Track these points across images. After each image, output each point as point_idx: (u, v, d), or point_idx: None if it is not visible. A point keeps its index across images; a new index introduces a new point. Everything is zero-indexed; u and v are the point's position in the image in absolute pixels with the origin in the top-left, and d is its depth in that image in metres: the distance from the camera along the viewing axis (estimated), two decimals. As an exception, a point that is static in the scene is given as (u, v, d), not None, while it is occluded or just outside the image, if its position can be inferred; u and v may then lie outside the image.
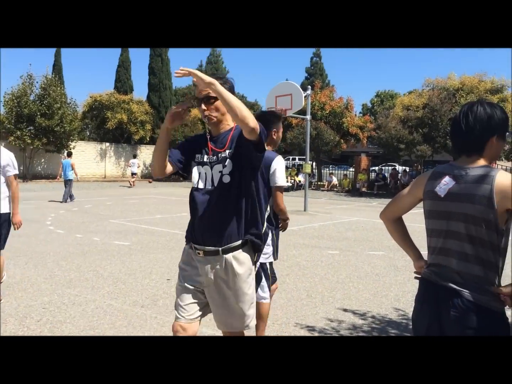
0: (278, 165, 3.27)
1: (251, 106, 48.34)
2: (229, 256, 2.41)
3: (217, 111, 2.43)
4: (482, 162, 1.91)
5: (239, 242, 2.42)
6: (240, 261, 2.43)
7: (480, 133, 1.90)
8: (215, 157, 2.46)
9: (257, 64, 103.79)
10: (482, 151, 1.91)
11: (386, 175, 22.95)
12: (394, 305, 4.99)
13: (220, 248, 2.40)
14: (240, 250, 2.43)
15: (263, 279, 3.40)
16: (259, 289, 3.33)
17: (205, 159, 2.49)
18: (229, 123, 2.51)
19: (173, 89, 34.63)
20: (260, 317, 3.37)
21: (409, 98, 22.58)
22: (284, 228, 3.73)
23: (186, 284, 2.49)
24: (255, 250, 2.52)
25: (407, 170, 23.27)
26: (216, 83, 2.16)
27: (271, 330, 4.12)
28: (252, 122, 2.17)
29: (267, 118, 3.45)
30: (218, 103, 2.38)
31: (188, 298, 2.48)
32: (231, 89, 2.40)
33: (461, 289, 1.85)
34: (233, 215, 2.41)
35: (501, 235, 1.84)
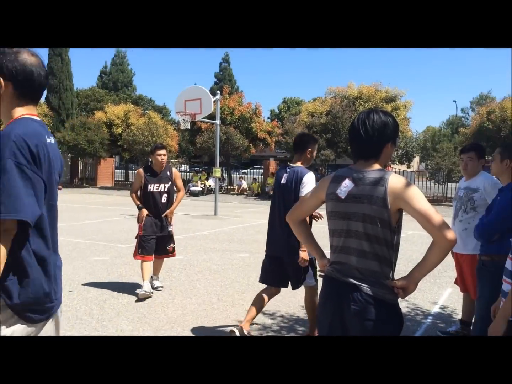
0: (308, 179, 3.77)
1: (160, 109, 47.44)
2: None
3: None
4: (377, 165, 2.05)
5: None
6: None
7: (378, 140, 2.04)
8: None
9: (166, 67, 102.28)
10: (379, 156, 2.06)
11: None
12: (301, 303, 5.14)
13: None
14: None
15: (310, 269, 3.92)
16: (307, 276, 3.93)
17: None
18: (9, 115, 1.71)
19: (74, 90, 32.86)
20: (312, 299, 4.04)
21: (314, 105, 23.64)
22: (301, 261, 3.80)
23: None
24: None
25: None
26: None
27: (182, 335, 4.05)
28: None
29: (304, 139, 4.03)
30: None
31: None
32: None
33: (360, 283, 1.97)
34: None
35: (394, 233, 1.99)
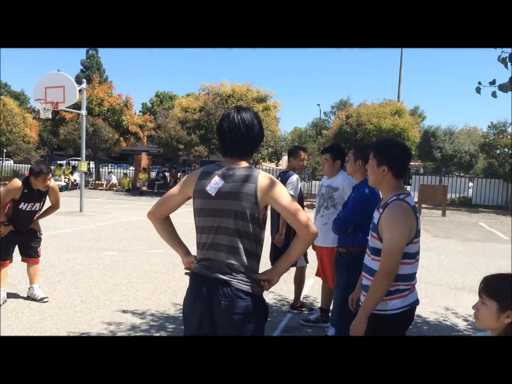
0: (293, 180, 4.68)
1: (17, 96, 42.98)
2: None
3: None
4: (245, 163, 2.09)
5: None
6: None
7: (258, 138, 2.11)
8: None
9: (24, 49, 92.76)
10: (252, 154, 2.12)
11: (167, 175, 23.37)
12: (172, 300, 5.10)
13: None
14: None
15: None
16: None
17: None
18: None
19: None
20: (300, 277, 4.92)
21: (187, 100, 23.45)
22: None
23: None
24: None
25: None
26: None
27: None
28: None
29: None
30: None
31: None
32: None
33: (230, 279, 2.00)
34: None
35: (261, 228, 2.06)
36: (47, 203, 4.97)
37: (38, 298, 4.82)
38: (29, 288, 4.91)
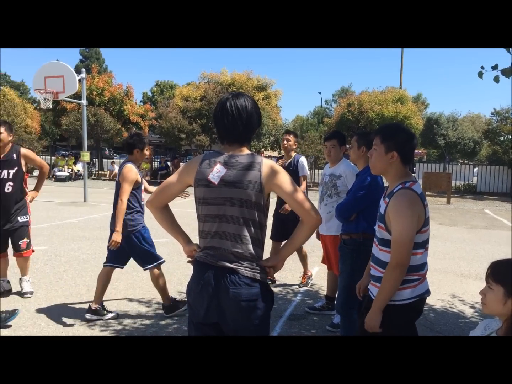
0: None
1: (17, 86, 42.87)
2: None
3: None
4: (247, 150, 2.08)
5: None
6: None
7: (253, 126, 2.09)
8: None
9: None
10: (250, 140, 2.11)
11: (169, 164, 23.36)
12: (178, 289, 5.11)
13: None
14: None
15: None
16: None
17: None
18: None
19: None
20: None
21: (188, 89, 23.36)
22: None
23: None
24: None
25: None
26: None
27: (46, 332, 3.74)
28: None
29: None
30: None
31: None
32: None
33: (237, 266, 1.99)
34: None
35: (266, 215, 2.07)
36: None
37: (22, 291, 4.68)
38: (19, 279, 4.79)
